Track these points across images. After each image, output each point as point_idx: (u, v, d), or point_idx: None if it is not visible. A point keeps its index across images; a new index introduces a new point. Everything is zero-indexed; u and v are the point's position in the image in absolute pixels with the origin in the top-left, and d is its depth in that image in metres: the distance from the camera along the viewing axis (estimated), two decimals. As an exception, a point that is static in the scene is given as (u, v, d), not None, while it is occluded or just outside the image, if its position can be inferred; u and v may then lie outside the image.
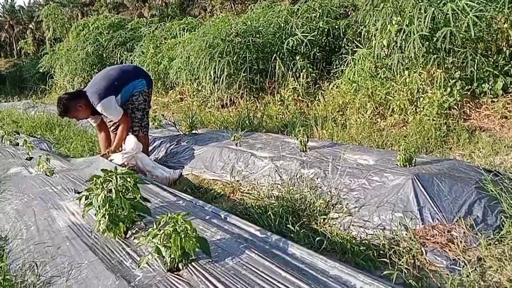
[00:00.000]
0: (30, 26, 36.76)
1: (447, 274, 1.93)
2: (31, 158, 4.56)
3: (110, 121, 4.28)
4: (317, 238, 2.28)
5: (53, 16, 17.79)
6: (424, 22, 4.18)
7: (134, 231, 2.29)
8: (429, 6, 4.22)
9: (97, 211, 2.21)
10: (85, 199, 2.27)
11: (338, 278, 1.69)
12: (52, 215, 2.78)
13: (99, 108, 3.88)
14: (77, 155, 5.18)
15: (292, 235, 2.38)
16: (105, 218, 2.17)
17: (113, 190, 2.20)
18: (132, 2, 25.05)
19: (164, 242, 1.77)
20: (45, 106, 10.17)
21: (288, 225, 2.47)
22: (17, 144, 5.59)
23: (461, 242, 2.11)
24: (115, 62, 11.05)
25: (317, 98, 5.68)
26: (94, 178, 2.26)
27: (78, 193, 3.08)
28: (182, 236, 1.75)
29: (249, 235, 2.16)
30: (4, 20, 40.82)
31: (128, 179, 2.26)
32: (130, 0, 25.06)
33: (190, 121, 4.86)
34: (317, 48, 6.37)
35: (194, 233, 1.79)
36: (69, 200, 2.98)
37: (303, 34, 6.20)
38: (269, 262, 1.77)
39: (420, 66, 4.48)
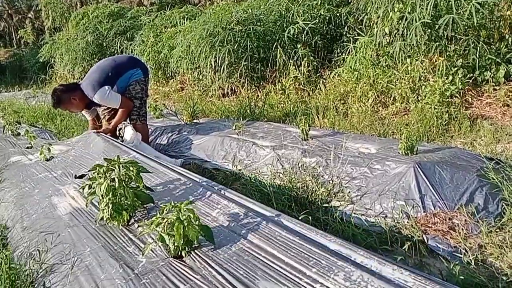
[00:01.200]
0: (29, 15, 36.45)
1: (448, 261, 1.94)
2: (31, 147, 4.59)
3: (105, 110, 4.28)
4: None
5: (53, 5, 17.68)
6: (426, 9, 4.15)
7: (136, 219, 2.31)
8: (432, -7, 4.18)
9: (100, 200, 2.23)
10: (88, 188, 2.28)
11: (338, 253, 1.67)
12: (53, 202, 2.80)
13: (96, 99, 3.90)
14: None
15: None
16: (109, 207, 2.18)
17: (116, 179, 2.21)
18: (132, -10, 24.80)
19: (168, 231, 1.79)
20: (46, 96, 10.13)
21: (290, 214, 2.48)
22: (19, 134, 5.59)
23: (462, 229, 2.13)
24: (115, 51, 11.01)
25: (318, 87, 5.67)
26: (97, 167, 2.27)
27: (78, 177, 3.10)
28: (185, 224, 1.76)
29: (253, 213, 2.12)
30: (3, 9, 40.47)
31: (131, 168, 2.27)
32: (129, -12, 24.81)
33: (191, 110, 4.86)
34: (319, 36, 6.33)
35: (197, 221, 1.80)
36: (70, 186, 2.98)
37: (304, 22, 6.15)
38: (271, 247, 1.77)
39: (422, 54, 4.46)
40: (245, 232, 1.90)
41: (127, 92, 4.11)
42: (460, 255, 1.97)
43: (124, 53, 10.52)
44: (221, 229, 1.97)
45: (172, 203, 1.86)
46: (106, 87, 3.90)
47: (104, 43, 11.73)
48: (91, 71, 4.14)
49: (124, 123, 4.39)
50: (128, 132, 3.87)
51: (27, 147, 4.60)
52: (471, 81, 4.24)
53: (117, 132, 4.51)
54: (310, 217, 2.40)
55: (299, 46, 6.11)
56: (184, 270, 1.72)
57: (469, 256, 1.93)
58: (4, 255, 2.16)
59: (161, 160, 3.81)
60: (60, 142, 4.86)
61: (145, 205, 2.37)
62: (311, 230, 1.82)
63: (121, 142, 3.75)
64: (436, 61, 4.33)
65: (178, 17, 9.64)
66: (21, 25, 36.78)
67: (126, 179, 2.26)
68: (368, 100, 4.71)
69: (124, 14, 12.58)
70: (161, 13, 10.86)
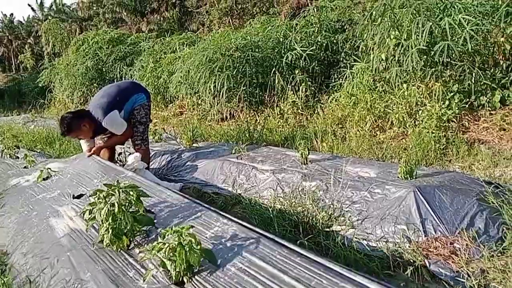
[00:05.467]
0: (29, 40, 36.98)
1: (451, 286, 1.93)
2: (27, 167, 4.60)
3: (103, 139, 4.27)
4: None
5: (52, 31, 17.93)
6: (421, 36, 4.24)
7: (136, 243, 2.29)
8: (427, 20, 4.29)
9: (100, 225, 2.21)
10: (89, 214, 2.27)
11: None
12: (51, 224, 2.77)
13: (106, 121, 3.88)
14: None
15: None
16: (109, 232, 2.17)
17: (116, 204, 2.20)
18: (131, 17, 25.28)
19: (169, 256, 1.78)
20: (45, 120, 10.19)
21: (291, 239, 2.47)
22: (17, 158, 5.59)
23: (464, 254, 2.12)
24: (115, 77, 11.13)
25: (316, 111, 5.73)
26: (98, 192, 2.26)
27: (76, 197, 3.09)
28: (187, 249, 1.75)
29: (254, 239, 2.12)
30: (3, 35, 41.05)
31: (131, 193, 2.27)
32: (128, 15, 25.29)
33: (191, 134, 4.88)
34: (316, 62, 6.44)
35: (198, 246, 1.80)
36: (68, 207, 2.96)
37: (302, 49, 6.27)
38: (274, 268, 1.76)
39: (418, 80, 4.54)
40: (244, 252, 1.89)
41: (132, 117, 4.12)
42: (462, 280, 1.96)
43: (124, 78, 10.63)
44: (220, 249, 1.96)
45: (173, 228, 1.86)
46: (116, 112, 3.91)
47: (103, 68, 11.86)
48: (97, 96, 4.14)
49: (127, 151, 4.40)
50: (130, 158, 3.86)
51: (24, 167, 4.62)
52: (467, 105, 4.30)
53: (116, 157, 4.51)
54: (311, 242, 2.39)
55: (296, 71, 6.21)
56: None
57: (472, 281, 1.91)
58: (2, 282, 2.13)
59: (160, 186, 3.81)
60: (57, 160, 4.86)
61: (145, 230, 2.35)
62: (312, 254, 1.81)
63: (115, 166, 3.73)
64: (432, 86, 4.40)
65: (177, 43, 9.80)
66: (21, 50, 37.24)
67: (126, 204, 2.26)
68: (366, 124, 4.75)
69: (124, 40, 12.76)
70: (160, 40, 11.04)
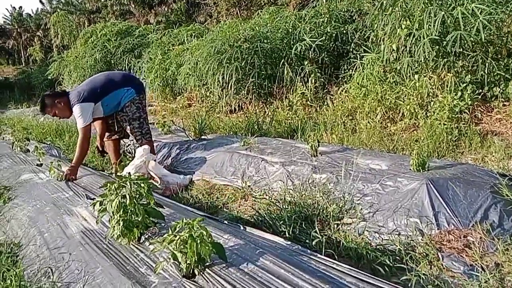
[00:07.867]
0: (38, 33, 37.18)
1: (465, 280, 1.91)
2: (41, 165, 4.60)
3: (111, 122, 4.31)
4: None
5: (61, 24, 18.01)
6: (433, 26, 4.16)
7: (147, 237, 2.29)
8: (439, 10, 4.20)
9: (111, 217, 2.21)
10: (99, 205, 2.27)
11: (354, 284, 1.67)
12: (65, 221, 2.79)
13: (74, 109, 3.91)
14: (87, 161, 5.20)
15: (307, 241, 2.37)
16: (119, 224, 2.17)
17: (127, 196, 2.20)
18: (139, 9, 25.20)
19: (180, 248, 1.77)
20: (54, 112, 10.23)
21: (302, 231, 2.46)
22: (28, 151, 5.62)
23: (478, 247, 2.09)
24: (123, 69, 11.14)
25: (325, 103, 5.68)
26: (108, 184, 2.26)
27: (90, 199, 3.10)
28: (198, 241, 1.74)
29: (264, 241, 2.14)
30: (12, 28, 41.33)
31: (142, 185, 2.27)
32: (136, 7, 25.21)
33: (199, 126, 4.87)
34: (325, 53, 6.37)
35: (209, 239, 1.79)
36: (81, 206, 2.99)
37: (311, 39, 6.20)
38: (284, 269, 1.75)
39: (430, 70, 4.47)
40: (257, 254, 1.89)
41: (124, 114, 4.08)
42: (476, 274, 1.93)
43: (132, 70, 10.64)
44: (231, 254, 1.95)
45: (185, 220, 1.85)
46: (91, 104, 3.91)
47: (112, 60, 11.88)
48: (85, 81, 4.20)
49: (136, 144, 4.40)
50: (138, 151, 3.86)
51: (37, 165, 4.61)
52: (480, 97, 4.22)
53: (122, 149, 4.50)
54: (321, 235, 2.38)
55: (306, 62, 6.15)
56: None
57: (486, 275, 1.89)
58: (14, 273, 2.14)
59: (169, 177, 3.82)
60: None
61: (156, 225, 2.35)
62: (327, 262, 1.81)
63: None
64: (444, 77, 4.33)
65: (185, 35, 9.76)
66: (30, 43, 37.46)
67: (137, 196, 2.26)
68: (376, 116, 4.70)
69: (132, 32, 12.76)
70: (168, 31, 11.01)
